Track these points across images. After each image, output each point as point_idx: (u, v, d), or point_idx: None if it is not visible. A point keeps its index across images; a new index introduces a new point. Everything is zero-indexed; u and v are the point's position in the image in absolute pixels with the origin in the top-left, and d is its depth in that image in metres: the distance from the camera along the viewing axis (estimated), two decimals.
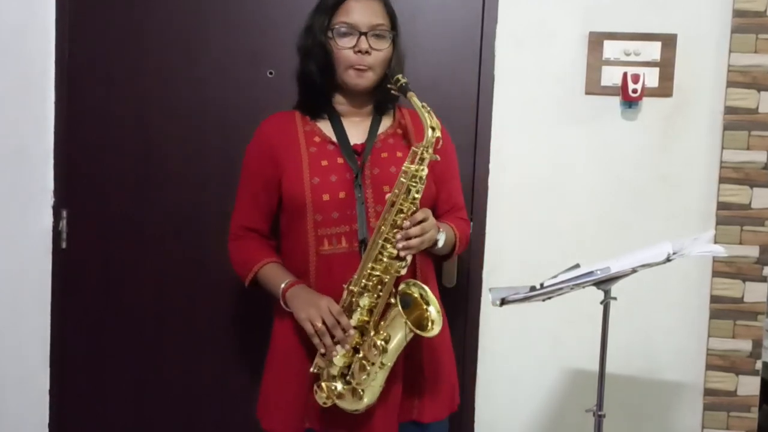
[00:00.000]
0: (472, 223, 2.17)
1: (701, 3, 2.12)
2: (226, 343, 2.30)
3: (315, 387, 1.61)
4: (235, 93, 2.24)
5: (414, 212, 1.59)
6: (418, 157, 1.59)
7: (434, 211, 1.73)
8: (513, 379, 2.23)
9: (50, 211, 2.31)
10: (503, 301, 1.64)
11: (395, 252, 1.57)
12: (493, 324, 2.23)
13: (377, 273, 1.58)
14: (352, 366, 1.60)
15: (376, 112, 1.75)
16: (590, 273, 1.60)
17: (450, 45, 2.20)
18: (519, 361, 2.23)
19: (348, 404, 1.60)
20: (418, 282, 1.62)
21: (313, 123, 1.74)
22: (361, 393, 1.58)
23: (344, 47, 1.65)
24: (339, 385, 1.60)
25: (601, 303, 1.65)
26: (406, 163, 1.59)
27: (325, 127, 1.73)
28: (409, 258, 1.58)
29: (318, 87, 1.72)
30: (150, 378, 2.33)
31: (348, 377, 1.60)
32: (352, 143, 1.71)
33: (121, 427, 2.35)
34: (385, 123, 1.76)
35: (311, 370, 1.63)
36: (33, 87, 2.27)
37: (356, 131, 1.73)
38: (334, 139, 1.71)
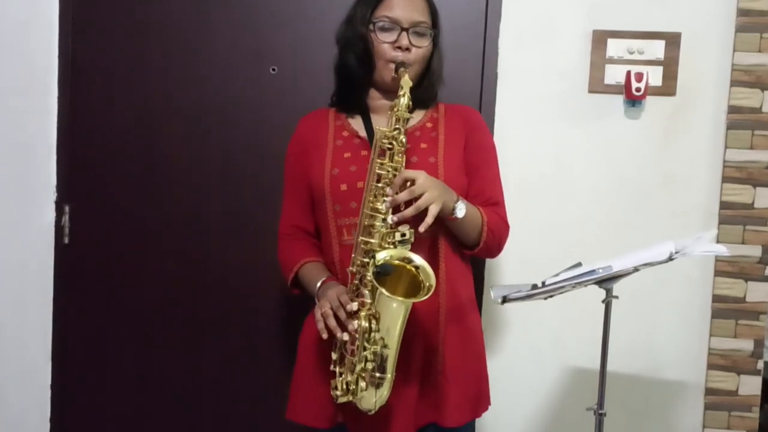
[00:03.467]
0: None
1: (705, 2, 2.12)
2: (228, 339, 2.30)
3: (331, 383, 1.58)
4: (238, 89, 2.24)
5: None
6: (393, 117, 1.58)
7: None
8: (514, 377, 2.23)
9: (53, 207, 2.31)
10: (505, 299, 1.63)
11: (388, 222, 1.52)
12: (495, 322, 2.23)
13: (374, 248, 1.53)
14: (356, 352, 1.52)
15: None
16: (592, 271, 1.60)
17: (453, 42, 2.18)
18: (520, 359, 2.23)
19: (362, 400, 1.53)
20: (389, 248, 1.53)
21: (344, 118, 1.75)
22: (368, 381, 1.50)
23: (384, 41, 1.65)
24: (349, 377, 1.53)
25: (603, 302, 1.65)
26: (380, 128, 1.58)
27: (356, 122, 1.74)
28: (406, 229, 1.52)
29: (355, 80, 1.71)
30: (151, 373, 2.34)
31: (355, 365, 1.52)
32: None
33: (122, 422, 2.36)
34: (416, 117, 1.73)
35: (331, 368, 1.58)
36: (36, 82, 2.28)
37: (385, 125, 1.68)
38: (362, 133, 1.71)
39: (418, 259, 1.53)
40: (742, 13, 2.09)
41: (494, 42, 2.17)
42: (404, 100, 1.57)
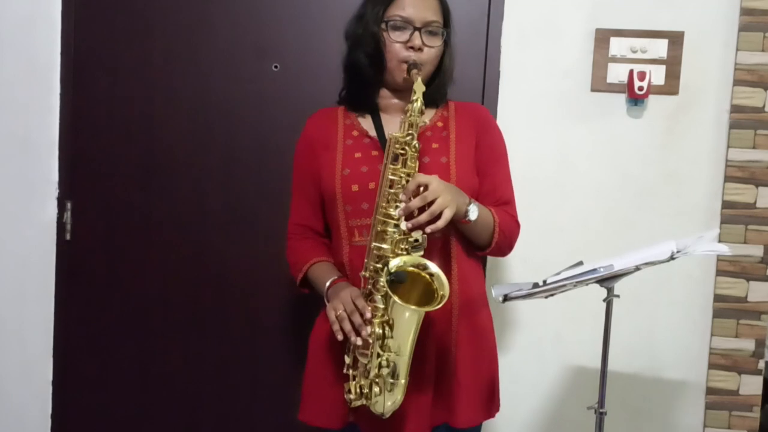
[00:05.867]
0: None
1: (709, 1, 2.11)
2: (229, 336, 2.30)
3: (345, 387, 1.58)
4: (240, 86, 2.24)
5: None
6: (405, 123, 1.55)
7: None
8: (515, 376, 2.23)
9: (55, 203, 2.32)
10: (506, 298, 1.63)
11: (401, 228, 1.49)
12: (496, 320, 2.22)
13: (387, 254, 1.51)
14: (370, 358, 1.51)
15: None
16: (593, 270, 1.59)
17: (455, 41, 2.18)
18: (521, 357, 2.23)
19: (376, 404, 1.53)
20: (403, 255, 1.51)
21: (354, 117, 1.73)
22: (381, 386, 1.50)
23: (396, 41, 1.63)
24: (363, 381, 1.53)
25: (604, 300, 1.65)
26: (392, 133, 1.56)
27: (366, 121, 1.72)
28: (419, 235, 1.50)
29: (366, 79, 1.68)
30: (152, 368, 2.34)
31: (369, 371, 1.52)
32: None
33: (123, 417, 2.36)
34: (427, 117, 1.69)
35: (344, 371, 1.58)
36: (38, 78, 2.28)
37: (395, 124, 1.67)
38: (372, 133, 1.69)
39: (434, 267, 1.51)
40: (745, 12, 2.08)
41: (497, 40, 2.17)
42: (417, 105, 1.55)
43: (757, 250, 2.12)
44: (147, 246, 2.31)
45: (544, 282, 1.63)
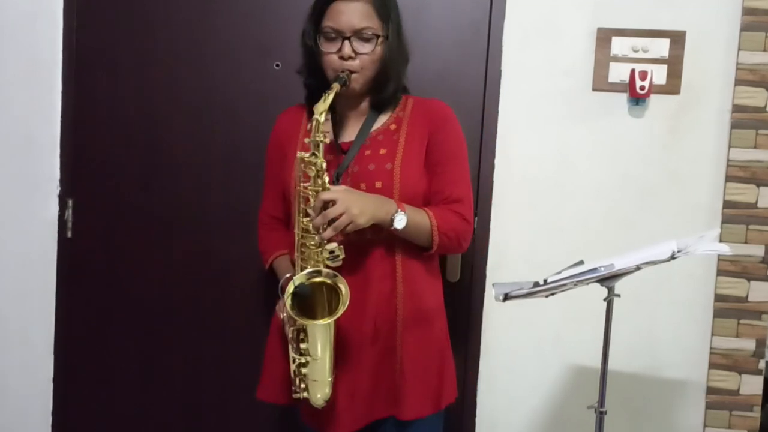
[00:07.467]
0: (476, 219, 2.17)
1: (711, 0, 2.11)
2: (229, 332, 2.31)
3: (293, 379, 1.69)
4: (242, 85, 2.25)
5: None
6: (311, 143, 1.59)
7: (428, 203, 1.72)
8: (515, 375, 2.23)
9: (56, 200, 2.32)
10: (506, 297, 1.63)
11: (318, 241, 1.59)
12: (496, 319, 2.23)
13: (307, 265, 1.62)
14: (291, 362, 1.67)
15: (373, 110, 1.74)
16: (594, 270, 1.60)
17: (457, 40, 2.19)
18: (521, 356, 2.23)
19: (310, 399, 1.65)
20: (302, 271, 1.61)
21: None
22: (306, 384, 1.64)
23: (329, 51, 1.66)
24: (298, 379, 1.66)
25: (605, 300, 1.65)
26: (300, 153, 1.61)
27: (327, 124, 1.73)
28: (334, 247, 1.57)
29: (316, 88, 1.72)
30: (153, 366, 2.34)
31: (294, 371, 1.67)
32: (346, 140, 1.73)
33: (124, 415, 2.36)
34: (382, 119, 1.75)
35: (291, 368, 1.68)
36: (40, 76, 2.28)
37: (353, 128, 1.75)
38: (331, 136, 1.72)
39: (327, 276, 1.59)
40: (747, 11, 2.08)
41: (498, 40, 2.17)
42: (318, 124, 1.58)
43: (758, 250, 2.12)
44: (148, 244, 2.31)
45: (545, 281, 1.64)
